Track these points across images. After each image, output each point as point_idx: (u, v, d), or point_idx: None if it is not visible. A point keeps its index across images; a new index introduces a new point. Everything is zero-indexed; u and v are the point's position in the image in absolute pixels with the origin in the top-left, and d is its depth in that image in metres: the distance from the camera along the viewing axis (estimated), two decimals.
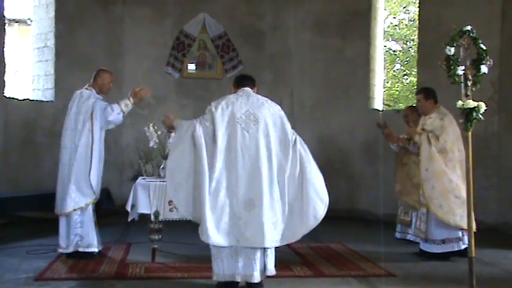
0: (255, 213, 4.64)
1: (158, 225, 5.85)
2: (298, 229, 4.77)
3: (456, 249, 6.28)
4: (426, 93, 6.57)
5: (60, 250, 6.06)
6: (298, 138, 4.94)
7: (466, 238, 6.28)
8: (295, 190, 4.80)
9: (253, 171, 4.69)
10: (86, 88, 6.28)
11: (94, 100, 6.12)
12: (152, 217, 5.83)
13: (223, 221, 4.65)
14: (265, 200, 4.65)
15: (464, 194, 5.96)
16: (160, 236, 5.91)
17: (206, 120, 4.81)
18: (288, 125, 4.92)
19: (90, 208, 6.09)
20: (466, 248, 6.29)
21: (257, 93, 5.12)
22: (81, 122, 6.03)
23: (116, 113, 6.14)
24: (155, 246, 5.91)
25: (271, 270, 4.88)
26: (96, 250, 6.12)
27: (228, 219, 4.65)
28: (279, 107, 4.97)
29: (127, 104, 6.19)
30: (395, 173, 7.54)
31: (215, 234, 4.61)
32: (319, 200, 4.80)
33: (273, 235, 4.68)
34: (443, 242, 6.30)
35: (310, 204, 4.76)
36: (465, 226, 5.62)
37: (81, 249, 6.05)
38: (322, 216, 4.84)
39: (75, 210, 5.95)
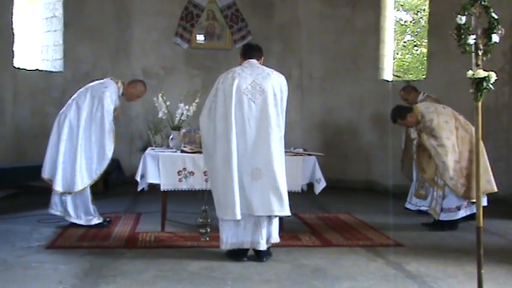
0: (262, 182, 4.70)
1: (206, 220, 5.71)
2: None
3: (469, 212, 6.30)
4: (400, 116, 6.57)
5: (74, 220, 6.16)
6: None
7: (466, 209, 6.34)
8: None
9: (261, 141, 4.74)
10: (116, 82, 6.32)
11: (111, 98, 6.17)
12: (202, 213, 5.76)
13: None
14: (273, 169, 4.70)
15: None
16: (208, 230, 5.70)
17: (213, 100, 4.86)
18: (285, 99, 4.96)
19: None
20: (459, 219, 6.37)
21: (264, 64, 5.12)
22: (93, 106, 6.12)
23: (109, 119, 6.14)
24: (206, 238, 5.69)
25: (275, 238, 4.97)
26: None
27: (238, 190, 4.70)
28: (284, 78, 4.99)
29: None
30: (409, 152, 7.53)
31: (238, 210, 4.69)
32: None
33: (281, 203, 4.74)
34: (458, 208, 6.34)
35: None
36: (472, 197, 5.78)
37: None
38: None
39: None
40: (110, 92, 6.15)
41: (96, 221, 6.16)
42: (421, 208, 7.27)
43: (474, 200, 6.19)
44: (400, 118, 6.57)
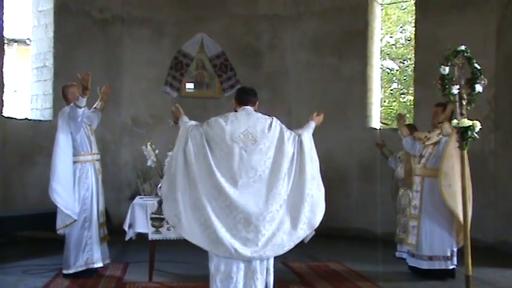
0: (251, 229, 4.60)
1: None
2: (288, 240, 4.74)
3: (443, 267, 6.28)
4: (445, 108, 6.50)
5: (65, 271, 6.06)
6: (302, 139, 4.99)
7: (455, 259, 6.30)
8: (296, 199, 4.77)
9: (251, 190, 4.62)
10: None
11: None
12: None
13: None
14: (262, 217, 4.62)
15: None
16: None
17: (205, 132, 4.81)
18: (286, 138, 4.85)
19: (93, 224, 6.12)
20: (454, 269, 6.32)
21: (258, 110, 5.08)
22: None
23: (72, 110, 6.02)
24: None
25: None
26: (100, 265, 6.20)
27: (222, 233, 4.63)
28: (276, 122, 4.88)
29: (77, 98, 5.99)
30: (406, 181, 7.50)
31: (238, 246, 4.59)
32: (317, 211, 4.85)
33: (266, 247, 4.63)
34: (430, 258, 6.32)
35: (306, 212, 4.78)
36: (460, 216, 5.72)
37: (90, 266, 6.10)
38: (317, 224, 4.84)
39: (64, 227, 5.99)
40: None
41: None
42: (404, 256, 7.25)
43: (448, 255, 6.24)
44: (444, 109, 6.38)
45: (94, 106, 6.63)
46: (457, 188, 5.94)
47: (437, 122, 6.47)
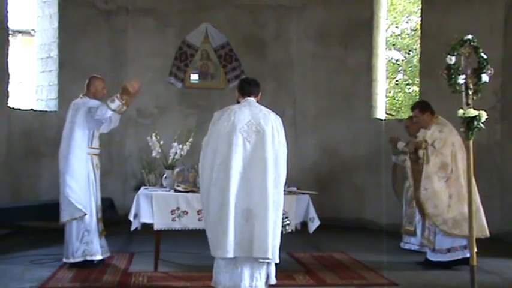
0: (252, 223, 4.61)
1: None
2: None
3: (461, 257, 6.27)
4: (421, 107, 6.58)
5: (65, 260, 6.09)
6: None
7: None
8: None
9: (253, 181, 4.64)
10: (80, 97, 6.30)
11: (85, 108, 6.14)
12: None
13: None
14: (262, 211, 4.61)
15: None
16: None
17: (209, 134, 4.84)
18: (284, 141, 4.90)
19: (92, 218, 6.12)
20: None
21: (260, 101, 5.09)
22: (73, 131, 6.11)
23: (101, 109, 5.96)
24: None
25: (273, 279, 4.89)
26: (100, 257, 6.17)
27: (232, 229, 4.62)
28: (280, 121, 4.92)
29: (113, 100, 5.96)
30: (396, 183, 7.57)
31: (231, 248, 4.60)
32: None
33: (264, 246, 4.60)
34: (448, 250, 6.31)
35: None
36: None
37: (88, 258, 6.09)
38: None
39: (71, 220, 6.00)
40: (81, 109, 6.17)
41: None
42: (409, 247, 7.31)
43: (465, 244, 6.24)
44: (420, 109, 6.52)
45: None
46: (453, 214, 6.15)
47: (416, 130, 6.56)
